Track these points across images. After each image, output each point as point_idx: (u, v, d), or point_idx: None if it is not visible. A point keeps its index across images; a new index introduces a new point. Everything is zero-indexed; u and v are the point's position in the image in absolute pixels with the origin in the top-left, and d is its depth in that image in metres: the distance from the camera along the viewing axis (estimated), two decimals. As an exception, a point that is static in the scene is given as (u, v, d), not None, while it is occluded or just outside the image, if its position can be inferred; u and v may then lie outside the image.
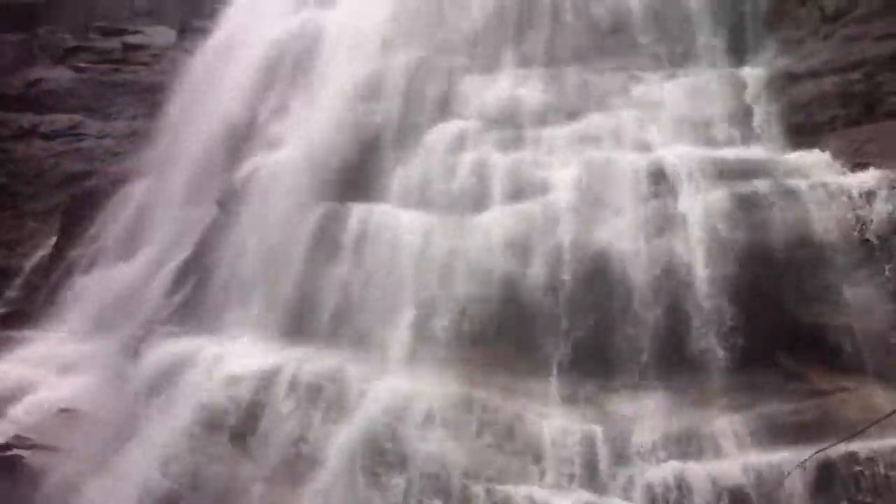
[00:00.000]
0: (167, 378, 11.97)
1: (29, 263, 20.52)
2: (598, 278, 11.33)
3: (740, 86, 14.06)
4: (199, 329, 13.02)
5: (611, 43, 15.91)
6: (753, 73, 14.30)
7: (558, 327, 11.23)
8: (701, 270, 10.90)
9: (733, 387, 10.30)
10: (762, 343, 10.43)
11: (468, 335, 11.67)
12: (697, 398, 10.38)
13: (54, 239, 19.79)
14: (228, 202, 14.81)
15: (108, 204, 18.97)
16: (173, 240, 15.78)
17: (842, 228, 10.71)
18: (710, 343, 10.50)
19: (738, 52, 15.04)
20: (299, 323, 12.44)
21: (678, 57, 15.32)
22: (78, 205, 19.85)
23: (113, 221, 18.43)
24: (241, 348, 12.10)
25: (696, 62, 15.12)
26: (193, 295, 13.78)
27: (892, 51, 13.11)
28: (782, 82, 13.81)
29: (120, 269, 16.43)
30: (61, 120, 24.83)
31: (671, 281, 10.98)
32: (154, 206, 17.65)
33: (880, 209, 10.67)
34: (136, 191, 18.80)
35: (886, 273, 10.26)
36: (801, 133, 12.96)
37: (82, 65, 26.97)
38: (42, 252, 20.42)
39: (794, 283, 10.66)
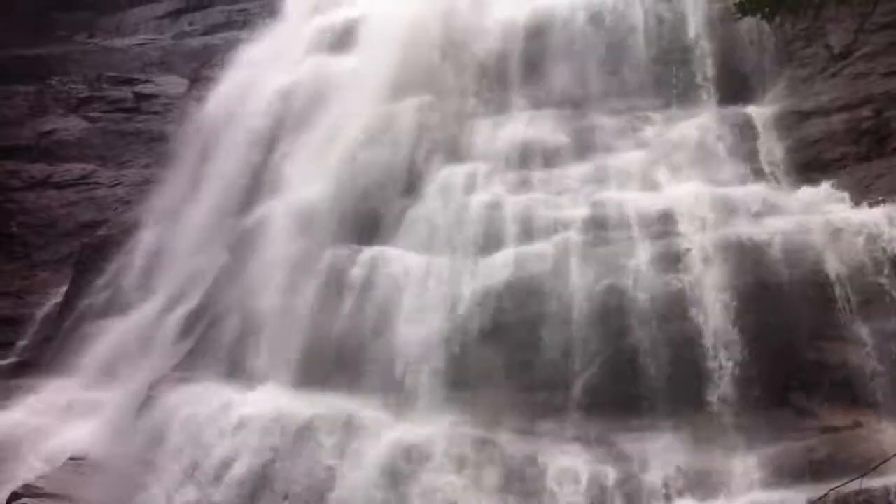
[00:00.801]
0: (177, 425, 11.89)
1: (40, 313, 20.49)
2: (609, 318, 11.27)
3: (748, 124, 14.05)
4: (209, 376, 12.94)
5: (618, 84, 16.00)
6: (760, 112, 14.32)
7: (570, 367, 11.18)
8: (711, 309, 10.81)
9: (745, 425, 10.18)
10: (773, 381, 10.33)
11: (480, 377, 11.61)
12: (709, 437, 10.25)
13: (65, 288, 19.80)
14: (238, 248, 14.82)
15: (120, 252, 18.98)
16: (184, 286, 15.77)
17: (853, 265, 10.63)
18: (721, 382, 10.41)
19: (745, 90, 15.09)
20: (309, 368, 12.36)
21: (685, 97, 15.38)
22: (89, 254, 19.85)
23: (124, 269, 18.43)
24: (251, 394, 12.03)
25: (703, 102, 15.17)
26: (203, 341, 13.74)
27: (899, 87, 13.14)
28: (790, 120, 13.82)
29: (130, 316, 16.42)
30: (74, 169, 24.94)
31: (682, 320, 10.91)
32: (165, 254, 17.66)
33: (893, 245, 10.60)
34: (148, 238, 18.82)
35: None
36: (811, 170, 12.93)
37: (94, 114, 27.17)
38: (53, 301, 20.41)
39: (805, 321, 10.57)
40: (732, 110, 14.63)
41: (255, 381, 12.43)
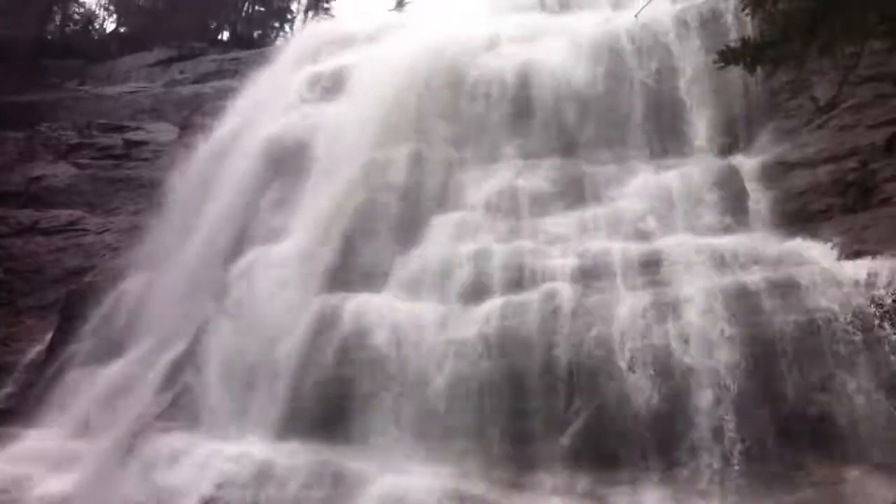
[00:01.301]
0: (160, 475, 11.71)
1: (24, 360, 20.34)
2: (597, 368, 11.17)
3: (735, 174, 14.10)
4: (193, 425, 12.81)
5: (608, 134, 16.12)
6: (747, 163, 14.38)
7: (557, 419, 11.07)
8: (700, 360, 10.75)
9: (734, 478, 10.03)
10: (763, 433, 10.20)
11: (467, 427, 11.48)
12: (698, 490, 10.09)
13: (50, 335, 19.66)
14: (225, 296, 14.74)
15: (106, 299, 18.88)
16: (169, 334, 15.66)
17: (840, 317, 10.58)
18: (710, 434, 10.27)
19: (733, 141, 15.24)
20: (294, 418, 12.24)
21: (674, 147, 15.49)
22: (75, 300, 19.75)
23: (110, 317, 18.32)
24: (234, 444, 11.88)
25: (692, 152, 15.28)
26: (187, 390, 13.60)
27: (885, 139, 13.24)
28: (777, 171, 13.88)
29: (115, 364, 16.28)
30: (61, 215, 24.94)
31: (670, 371, 10.82)
32: (151, 301, 17.58)
33: (880, 297, 10.57)
34: (134, 285, 18.75)
35: (888, 361, 10.09)
36: (797, 221, 12.95)
37: (84, 161, 27.27)
38: (38, 348, 20.26)
39: (795, 373, 10.46)
40: (720, 160, 14.71)
41: (239, 432, 12.30)
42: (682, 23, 16.89)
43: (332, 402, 12.25)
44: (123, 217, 24.98)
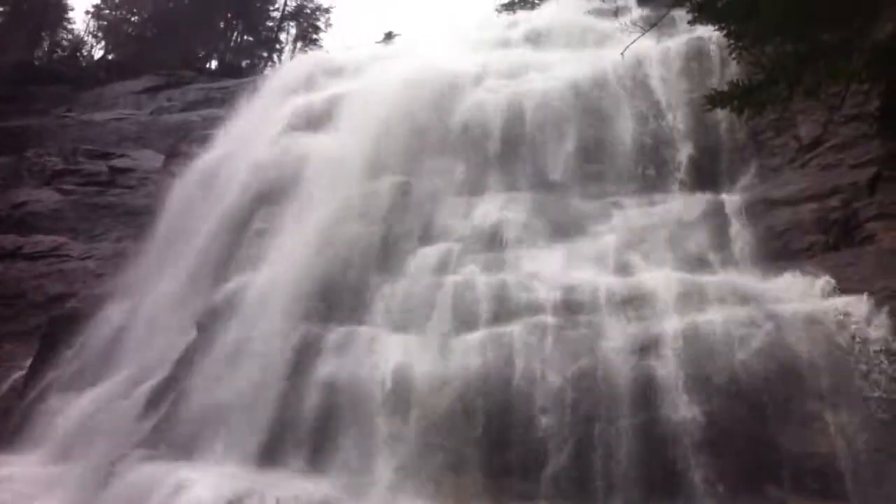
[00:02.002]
0: (139, 502, 11.60)
1: (4, 385, 20.17)
2: (580, 403, 11.15)
3: (719, 211, 14.19)
4: (173, 453, 12.70)
5: (594, 169, 16.21)
6: (731, 200, 14.45)
7: (539, 453, 10.99)
8: (684, 396, 10.74)
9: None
10: (746, 470, 10.19)
11: (449, 460, 11.41)
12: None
13: (31, 360, 19.52)
14: (208, 323, 14.69)
15: (88, 325, 18.78)
16: (151, 362, 15.59)
17: (823, 354, 10.63)
18: (693, 470, 10.23)
19: (717, 178, 15.34)
20: (274, 447, 12.17)
21: (659, 183, 15.60)
22: (57, 326, 19.64)
23: (91, 343, 18.22)
24: (213, 473, 11.75)
25: (677, 188, 15.41)
26: (168, 418, 13.50)
27: (867, 178, 13.34)
28: (760, 209, 13.96)
29: (95, 390, 16.16)
30: (45, 241, 24.83)
31: (654, 407, 10.79)
32: (134, 328, 17.50)
33: (861, 334, 10.64)
34: (117, 312, 18.66)
35: (869, 399, 10.14)
36: (781, 258, 12.99)
37: (68, 187, 27.21)
38: (18, 374, 20.10)
39: (778, 410, 10.47)
40: (704, 197, 14.78)
41: (219, 460, 12.21)
42: (666, 60, 17.11)
43: (312, 433, 12.17)
44: (107, 244, 24.90)
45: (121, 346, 17.23)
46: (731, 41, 10.98)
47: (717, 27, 11.47)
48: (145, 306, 17.70)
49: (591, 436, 10.88)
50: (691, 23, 11.33)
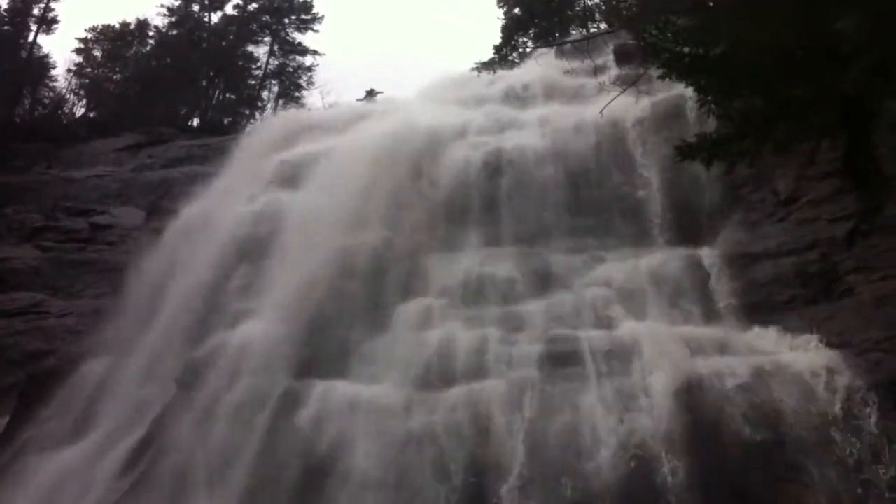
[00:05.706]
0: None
1: (-20, 445, 19.84)
2: (562, 457, 11.10)
3: (699, 265, 14.29)
4: (152, 512, 12.55)
5: (573, 223, 16.33)
6: (711, 253, 14.57)
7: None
8: (666, 450, 10.73)
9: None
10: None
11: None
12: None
13: (7, 419, 19.25)
14: (188, 380, 14.57)
15: (66, 383, 18.58)
16: (130, 419, 15.40)
17: (805, 407, 10.66)
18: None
19: (697, 232, 15.41)
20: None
21: (639, 237, 15.70)
22: (35, 384, 19.38)
23: (70, 401, 18.00)
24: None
25: (656, 242, 15.50)
26: (147, 476, 13.33)
27: (845, 232, 13.49)
28: (740, 262, 14.07)
29: (73, 448, 15.94)
30: (23, 298, 24.53)
31: (637, 460, 10.78)
32: (113, 385, 17.31)
33: (842, 387, 10.69)
34: (96, 370, 18.47)
35: (852, 450, 10.16)
36: (761, 311, 13.09)
37: (48, 244, 26.98)
38: (-6, 433, 19.79)
39: (761, 463, 10.49)
40: (684, 251, 14.90)
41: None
42: (644, 118, 17.30)
43: (293, 489, 12.06)
44: (86, 300, 24.65)
45: (99, 403, 17.01)
46: (700, 96, 11.17)
47: (686, 83, 11.66)
48: (125, 363, 17.54)
49: (574, 491, 10.80)
50: (661, 78, 11.48)
